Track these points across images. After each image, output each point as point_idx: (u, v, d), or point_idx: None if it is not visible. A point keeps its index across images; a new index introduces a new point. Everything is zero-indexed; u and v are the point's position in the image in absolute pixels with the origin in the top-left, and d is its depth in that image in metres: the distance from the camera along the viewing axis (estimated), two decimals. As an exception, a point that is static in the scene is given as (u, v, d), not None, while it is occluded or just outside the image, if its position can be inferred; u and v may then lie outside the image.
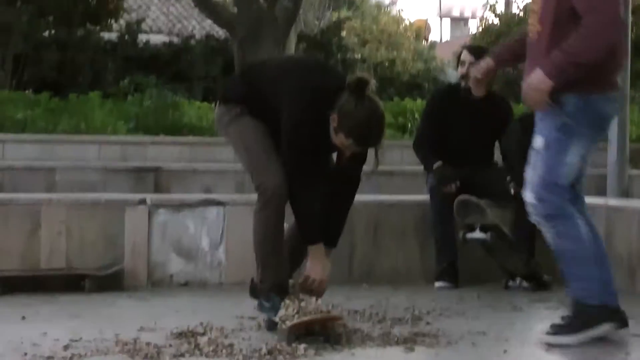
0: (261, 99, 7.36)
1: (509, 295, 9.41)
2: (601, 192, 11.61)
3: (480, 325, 7.82)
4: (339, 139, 7.08)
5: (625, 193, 11.58)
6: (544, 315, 8.44)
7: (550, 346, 6.83)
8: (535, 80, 6.77)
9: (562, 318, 7.10)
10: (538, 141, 6.86)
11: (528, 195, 7.22)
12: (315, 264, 7.16)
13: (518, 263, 9.78)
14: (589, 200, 10.66)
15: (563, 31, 6.66)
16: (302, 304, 6.90)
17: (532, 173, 7.11)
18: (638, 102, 18.31)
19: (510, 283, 9.76)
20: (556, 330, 6.98)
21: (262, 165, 7.14)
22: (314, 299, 7.03)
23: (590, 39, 6.63)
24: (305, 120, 7.15)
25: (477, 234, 9.66)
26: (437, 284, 9.67)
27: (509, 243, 9.73)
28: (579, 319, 6.91)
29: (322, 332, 6.68)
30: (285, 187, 7.06)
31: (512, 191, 9.83)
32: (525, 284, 9.69)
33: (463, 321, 7.89)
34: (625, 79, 11.60)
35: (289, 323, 6.64)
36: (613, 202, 10.85)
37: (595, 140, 7.30)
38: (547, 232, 7.36)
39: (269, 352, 6.49)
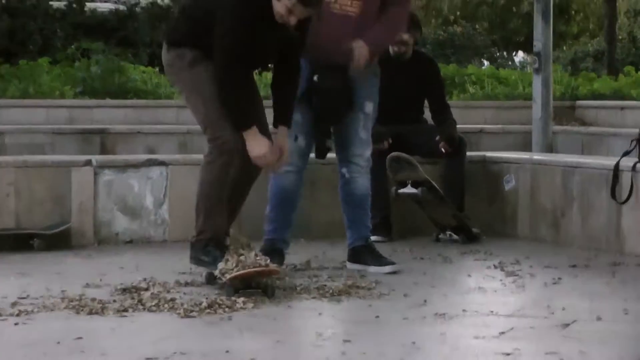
0: (207, 29, 7.08)
1: (440, 247, 9.45)
2: (527, 147, 11.65)
3: (411, 277, 7.86)
4: (282, 3, 6.81)
5: (549, 148, 11.63)
6: (473, 266, 8.50)
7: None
8: (364, 48, 7.14)
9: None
10: (369, 106, 7.20)
11: (368, 153, 7.56)
12: (253, 144, 6.95)
13: (448, 216, 9.82)
14: (516, 155, 10.75)
15: (374, 12, 7.21)
16: (241, 257, 6.74)
17: (367, 135, 7.50)
18: (561, 62, 18.25)
19: (441, 236, 9.80)
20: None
21: (220, 117, 6.98)
22: (252, 252, 6.83)
23: (396, 27, 7.45)
24: (237, 26, 7.00)
25: (409, 189, 9.68)
26: (372, 237, 9.67)
27: (439, 197, 9.75)
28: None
29: (259, 285, 6.66)
30: (240, 142, 6.94)
31: (442, 147, 9.88)
32: (455, 236, 9.72)
33: (395, 275, 7.89)
34: (548, 40, 11.66)
35: (228, 276, 6.59)
36: (538, 156, 10.90)
37: None
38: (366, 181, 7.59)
39: (209, 306, 6.49)
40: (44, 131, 11.40)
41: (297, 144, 7.42)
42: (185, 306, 6.62)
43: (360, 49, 7.02)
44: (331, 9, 7.09)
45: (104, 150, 11.12)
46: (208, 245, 6.95)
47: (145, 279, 7.39)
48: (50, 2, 24.10)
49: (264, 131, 7.20)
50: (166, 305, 6.73)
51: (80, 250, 9.28)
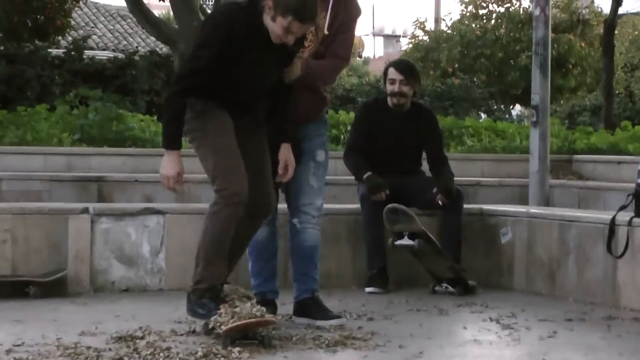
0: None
1: (436, 299, 9.44)
2: (523, 201, 11.66)
3: (407, 328, 7.86)
4: (278, 24, 6.64)
5: (546, 201, 11.64)
6: (469, 318, 8.50)
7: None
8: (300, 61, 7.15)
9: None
10: (321, 154, 7.07)
11: (319, 203, 7.39)
12: (165, 164, 6.85)
13: (445, 268, 9.82)
14: (513, 208, 10.77)
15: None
16: (236, 309, 6.64)
17: (318, 184, 7.34)
18: (558, 116, 18.26)
19: (437, 288, 9.78)
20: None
21: (227, 169, 6.81)
22: (248, 303, 6.76)
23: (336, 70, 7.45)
24: (207, 43, 6.87)
25: (406, 241, 9.69)
26: (368, 289, 9.68)
27: (436, 249, 9.76)
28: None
29: (255, 335, 6.59)
30: (246, 197, 6.80)
31: (439, 200, 9.91)
32: (451, 288, 9.72)
33: (392, 325, 7.90)
34: (545, 93, 11.68)
35: (224, 327, 6.48)
36: (534, 210, 10.91)
37: None
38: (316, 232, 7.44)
39: (205, 355, 6.49)
40: (42, 178, 11.41)
41: None
42: (180, 355, 6.61)
43: (297, 63, 7.03)
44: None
45: (101, 198, 11.12)
46: (204, 296, 6.79)
47: (141, 328, 7.38)
48: (49, 50, 24.13)
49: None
50: (162, 354, 6.70)
51: (76, 297, 9.25)
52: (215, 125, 6.85)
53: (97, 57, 24.97)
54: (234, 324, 6.44)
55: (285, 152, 7.01)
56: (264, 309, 6.77)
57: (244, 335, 6.56)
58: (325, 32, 6.99)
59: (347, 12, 7.17)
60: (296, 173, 7.14)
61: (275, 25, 6.60)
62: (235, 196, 6.73)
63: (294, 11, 6.46)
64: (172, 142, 6.70)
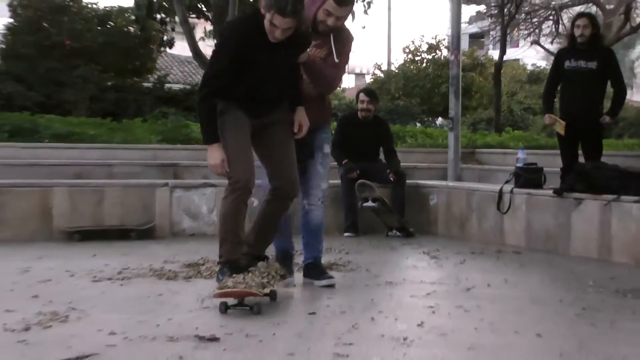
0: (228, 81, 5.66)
1: (389, 241, 9.48)
2: (444, 178, 11.67)
3: (370, 259, 7.91)
4: (266, 20, 5.41)
5: (459, 178, 11.66)
6: (409, 253, 8.54)
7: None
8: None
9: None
10: (327, 147, 6.37)
11: (325, 185, 6.40)
12: (210, 155, 5.57)
13: (394, 221, 9.87)
14: (437, 182, 10.80)
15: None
16: (238, 279, 5.29)
17: (324, 171, 6.37)
18: (465, 124, 18.22)
19: (389, 233, 9.83)
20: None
21: (234, 159, 5.53)
22: (257, 278, 5.36)
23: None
24: (225, 48, 5.58)
25: (370, 203, 9.78)
26: (345, 234, 9.72)
27: (388, 209, 9.83)
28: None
29: (242, 303, 5.23)
30: (252, 181, 5.60)
31: (391, 177, 9.98)
32: (398, 234, 9.77)
33: (360, 256, 7.94)
34: (458, 110, 11.75)
35: (217, 291, 5.26)
36: (451, 183, 10.95)
37: None
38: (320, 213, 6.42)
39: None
40: (138, 164, 11.42)
41: None
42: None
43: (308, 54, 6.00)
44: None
45: (175, 177, 11.11)
46: (224, 267, 5.64)
47: (202, 258, 7.40)
48: (143, 83, 24.07)
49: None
50: (215, 275, 6.70)
51: (161, 240, 9.30)
52: (229, 122, 5.62)
53: (172, 88, 24.89)
54: (219, 291, 5.21)
55: (299, 114, 5.82)
56: (272, 282, 5.47)
57: (240, 302, 5.21)
58: (336, 60, 6.04)
59: (346, 46, 6.18)
60: (308, 163, 6.29)
61: (266, 23, 5.40)
62: (237, 183, 5.53)
63: (274, 5, 5.28)
64: (210, 138, 5.57)
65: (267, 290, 5.33)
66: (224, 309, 5.16)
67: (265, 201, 5.92)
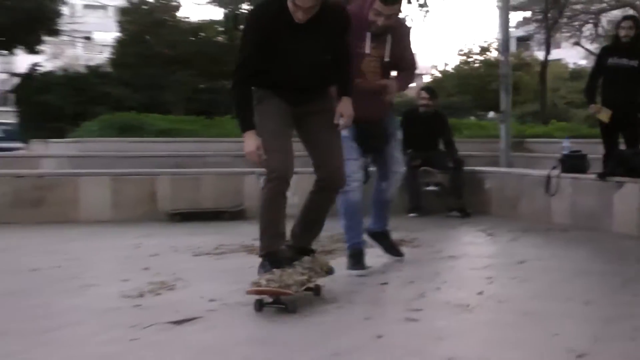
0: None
1: (449, 220, 9.39)
2: (496, 165, 11.58)
3: (433, 236, 7.87)
4: (290, 2, 4.57)
5: (510, 165, 11.56)
6: (468, 231, 8.47)
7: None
8: (394, 84, 5.83)
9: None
10: (399, 133, 6.14)
11: (402, 169, 6.07)
12: (245, 143, 4.67)
13: (453, 202, 9.80)
14: (491, 169, 10.70)
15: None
16: (271, 276, 4.47)
17: (399, 154, 6.06)
18: (514, 117, 18.04)
19: (449, 214, 9.74)
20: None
21: (270, 148, 4.64)
22: (293, 277, 4.51)
23: (412, 78, 6.10)
24: (248, 34, 4.73)
25: (432, 187, 9.77)
26: (410, 214, 9.68)
27: (448, 191, 9.81)
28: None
29: (277, 301, 4.42)
30: (288, 171, 4.76)
31: (450, 164, 9.93)
32: (457, 214, 9.70)
33: (424, 234, 7.88)
34: (508, 104, 11.70)
35: (249, 288, 4.42)
36: (503, 169, 10.87)
37: None
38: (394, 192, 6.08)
39: (329, 251, 6.53)
40: (228, 155, 11.51)
41: (359, 163, 5.80)
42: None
43: (392, 84, 5.73)
44: (360, 84, 5.48)
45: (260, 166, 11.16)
46: (265, 260, 4.83)
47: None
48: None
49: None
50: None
51: (250, 220, 9.25)
52: (267, 110, 4.77)
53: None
54: (250, 288, 4.41)
55: (342, 105, 4.93)
56: (314, 279, 4.72)
57: (275, 300, 4.40)
58: (386, 59, 5.66)
59: (404, 39, 5.86)
60: (385, 150, 5.85)
61: (289, 3, 4.58)
62: (273, 173, 4.68)
63: None
64: (245, 125, 4.67)
65: (303, 288, 4.53)
66: (259, 306, 4.36)
67: (310, 192, 5.09)
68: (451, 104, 26.05)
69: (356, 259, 5.72)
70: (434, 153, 10.22)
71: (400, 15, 6.13)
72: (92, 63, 26.54)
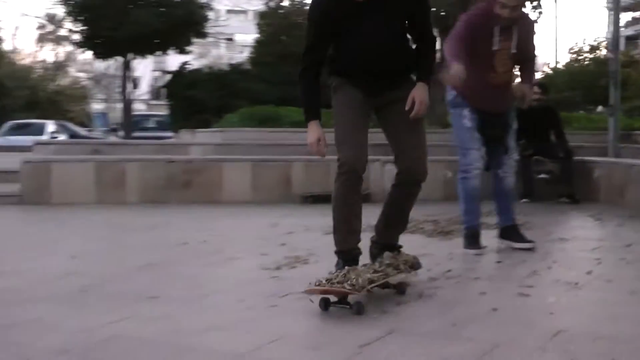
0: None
1: (559, 206, 9.22)
2: (605, 155, 11.28)
3: (544, 220, 7.74)
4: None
5: (617, 155, 11.27)
6: (577, 215, 8.32)
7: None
8: (529, 89, 5.72)
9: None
10: (515, 124, 5.85)
11: (515, 156, 5.96)
12: (308, 133, 4.20)
13: (563, 189, 9.63)
14: (600, 159, 10.42)
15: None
16: (334, 276, 3.81)
17: (514, 143, 5.87)
18: (622, 111, 17.58)
19: (560, 200, 9.56)
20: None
21: (342, 140, 4.12)
22: (363, 275, 3.81)
23: (533, 74, 5.91)
24: (310, 23, 4.09)
25: (543, 175, 9.60)
26: (522, 200, 9.52)
27: (559, 179, 9.64)
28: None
29: (343, 301, 3.75)
30: (360, 164, 4.15)
31: (561, 154, 9.74)
32: (566, 200, 9.50)
33: (536, 218, 7.72)
34: (617, 99, 11.44)
35: (310, 286, 3.77)
36: (612, 159, 10.60)
37: None
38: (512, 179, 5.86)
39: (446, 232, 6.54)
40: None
41: (480, 153, 5.61)
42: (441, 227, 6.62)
43: (528, 90, 5.61)
44: (491, 79, 5.46)
45: (385, 154, 11.11)
46: (339, 258, 4.18)
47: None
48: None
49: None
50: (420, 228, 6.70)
51: (374, 203, 9.21)
52: (341, 99, 4.19)
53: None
54: (309, 288, 3.77)
55: (417, 90, 4.11)
56: (394, 277, 4.08)
57: (340, 300, 3.74)
58: (513, 51, 5.46)
59: (529, 31, 5.66)
60: (503, 138, 5.66)
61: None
62: (343, 166, 4.08)
63: None
64: (308, 115, 4.14)
65: (372, 286, 3.85)
66: (324, 305, 3.74)
67: (392, 185, 4.48)
68: (562, 99, 25.42)
69: (472, 240, 5.68)
70: (546, 144, 10.02)
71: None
72: (233, 62, 27.05)
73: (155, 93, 47.64)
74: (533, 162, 9.66)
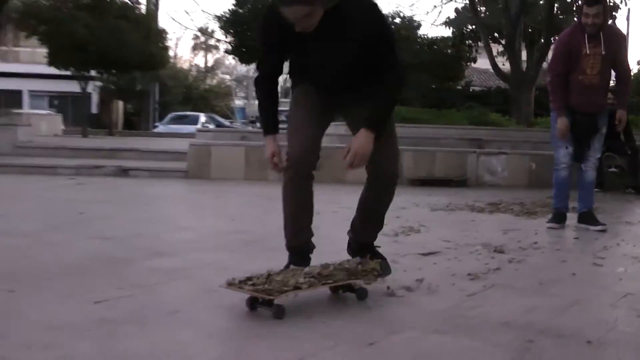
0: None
1: (626, 196, 9.08)
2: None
3: (613, 207, 7.67)
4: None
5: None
6: (642, 204, 8.20)
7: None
8: (623, 115, 5.64)
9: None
10: (604, 129, 5.69)
11: (597, 155, 5.77)
12: (266, 147, 3.19)
13: (630, 181, 9.46)
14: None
15: (608, 76, 5.58)
16: (262, 276, 2.92)
17: (599, 145, 5.74)
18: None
19: (626, 190, 9.41)
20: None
21: (291, 134, 3.19)
22: (292, 278, 2.92)
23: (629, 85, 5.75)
24: (259, 38, 3.24)
25: (613, 169, 9.46)
26: (595, 190, 9.37)
27: (626, 173, 9.46)
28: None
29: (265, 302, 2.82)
30: (307, 156, 3.13)
31: (628, 151, 9.56)
32: (632, 191, 9.34)
33: (605, 205, 7.65)
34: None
35: (244, 286, 2.86)
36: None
37: None
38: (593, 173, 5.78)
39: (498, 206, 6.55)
40: (455, 138, 11.60)
41: (568, 151, 5.63)
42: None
43: (623, 116, 5.56)
44: (582, 80, 5.42)
45: (479, 147, 11.11)
46: (289, 253, 3.33)
47: (499, 200, 7.48)
48: (456, 87, 24.14)
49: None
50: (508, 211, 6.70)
51: (471, 188, 9.43)
52: (296, 95, 3.29)
53: (474, 89, 24.81)
54: (224, 283, 2.92)
55: (355, 139, 3.07)
56: (348, 282, 3.10)
57: (264, 301, 2.80)
58: (603, 52, 5.38)
59: (617, 39, 5.53)
60: (588, 137, 5.62)
61: None
62: (289, 160, 3.13)
63: None
64: (264, 130, 3.21)
65: (293, 292, 2.84)
66: (250, 305, 2.87)
67: (364, 187, 3.42)
68: (631, 104, 24.52)
69: (558, 218, 5.82)
70: (615, 141, 9.83)
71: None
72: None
73: (284, 92, 48.39)
74: (605, 157, 9.52)
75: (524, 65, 20.46)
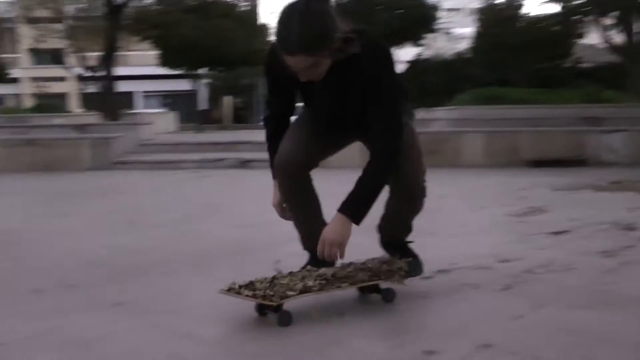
0: None
1: None
2: None
3: None
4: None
5: None
6: None
7: None
8: None
9: None
10: None
11: None
12: (273, 193, 2.98)
13: None
14: None
15: None
16: (282, 280, 2.64)
17: None
18: None
19: None
20: None
21: (283, 142, 2.86)
22: (301, 282, 2.60)
23: None
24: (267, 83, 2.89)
25: None
26: None
27: None
28: None
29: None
30: (292, 161, 2.82)
31: None
32: None
33: None
34: None
35: (243, 292, 2.60)
36: None
37: None
38: None
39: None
40: (571, 117, 11.34)
41: None
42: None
43: None
44: None
45: (593, 125, 10.69)
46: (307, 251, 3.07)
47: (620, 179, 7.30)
48: (564, 65, 23.52)
49: None
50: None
51: (590, 167, 9.13)
52: (298, 115, 2.97)
53: (584, 67, 24.02)
54: (224, 288, 2.64)
55: (328, 227, 2.65)
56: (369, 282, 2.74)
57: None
58: None
59: None
60: None
61: None
62: (277, 165, 2.86)
63: (279, 42, 2.51)
64: (272, 172, 2.94)
65: (301, 295, 2.57)
66: (259, 311, 2.62)
67: (388, 196, 2.96)
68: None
69: None
70: None
71: None
72: (456, 52, 27.06)
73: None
74: None
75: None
